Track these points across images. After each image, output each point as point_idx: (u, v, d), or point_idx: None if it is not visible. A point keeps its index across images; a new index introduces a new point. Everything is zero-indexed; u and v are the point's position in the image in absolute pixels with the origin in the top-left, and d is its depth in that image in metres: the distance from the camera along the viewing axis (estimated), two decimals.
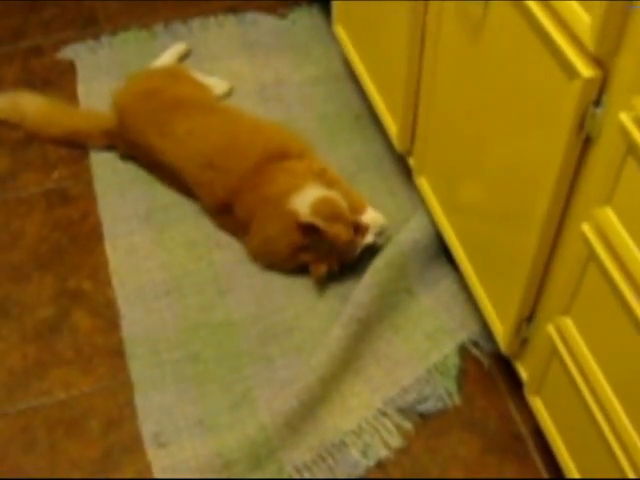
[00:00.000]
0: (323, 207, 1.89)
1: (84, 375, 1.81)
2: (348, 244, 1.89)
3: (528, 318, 1.56)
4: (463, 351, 1.85)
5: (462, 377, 1.82)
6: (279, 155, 2.01)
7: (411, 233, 1.94)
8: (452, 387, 1.80)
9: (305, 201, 1.90)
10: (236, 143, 2.02)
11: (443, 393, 1.79)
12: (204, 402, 1.76)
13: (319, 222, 1.84)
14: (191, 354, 1.83)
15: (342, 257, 1.91)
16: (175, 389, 1.78)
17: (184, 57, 2.44)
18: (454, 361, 1.83)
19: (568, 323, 1.38)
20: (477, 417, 1.76)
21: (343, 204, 1.92)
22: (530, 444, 1.72)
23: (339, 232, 1.86)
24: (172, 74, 2.30)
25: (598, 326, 1.30)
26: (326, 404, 1.76)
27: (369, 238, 1.92)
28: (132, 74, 2.29)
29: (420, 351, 1.84)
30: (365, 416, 1.75)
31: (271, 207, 1.94)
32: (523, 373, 1.66)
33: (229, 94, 2.34)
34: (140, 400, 1.77)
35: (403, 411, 1.76)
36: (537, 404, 1.60)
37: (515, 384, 1.76)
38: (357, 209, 1.96)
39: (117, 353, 1.84)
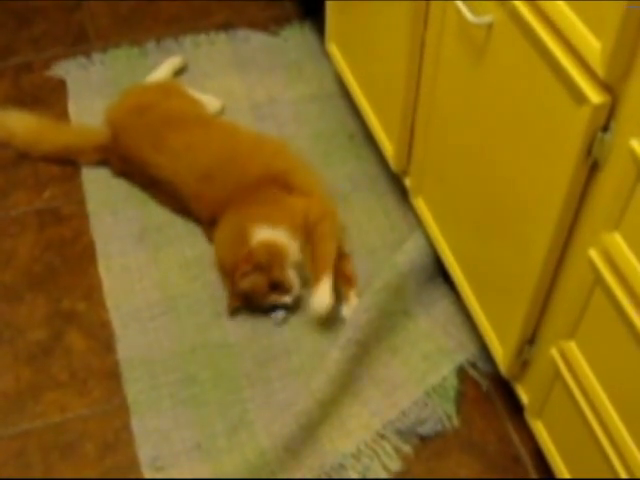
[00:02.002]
0: (264, 250, 1.87)
1: (79, 398, 1.79)
2: (259, 297, 1.87)
3: (529, 341, 1.56)
4: (461, 373, 1.84)
5: (460, 399, 1.81)
6: (282, 182, 1.99)
7: (408, 254, 1.93)
8: (451, 409, 1.79)
9: (259, 234, 1.89)
10: (236, 157, 2.01)
11: (442, 415, 1.78)
12: (201, 425, 1.75)
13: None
14: (188, 376, 1.82)
15: (251, 303, 1.90)
16: (172, 412, 1.77)
17: (179, 71, 2.43)
18: (452, 383, 1.82)
19: (572, 347, 1.38)
20: (476, 439, 1.76)
21: (285, 257, 1.87)
22: (530, 466, 1.72)
23: (253, 284, 1.85)
24: (165, 89, 2.29)
25: (603, 350, 1.30)
26: (325, 427, 1.75)
27: (287, 299, 1.88)
28: (125, 89, 2.28)
29: (418, 373, 1.83)
30: (364, 439, 1.74)
31: (240, 217, 1.93)
32: (523, 396, 1.65)
33: (222, 112, 2.32)
34: (137, 423, 1.75)
35: (402, 434, 1.75)
36: (538, 427, 1.59)
37: (513, 405, 1.76)
38: (317, 276, 1.87)
39: (112, 375, 1.82)
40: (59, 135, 2.24)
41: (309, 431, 1.72)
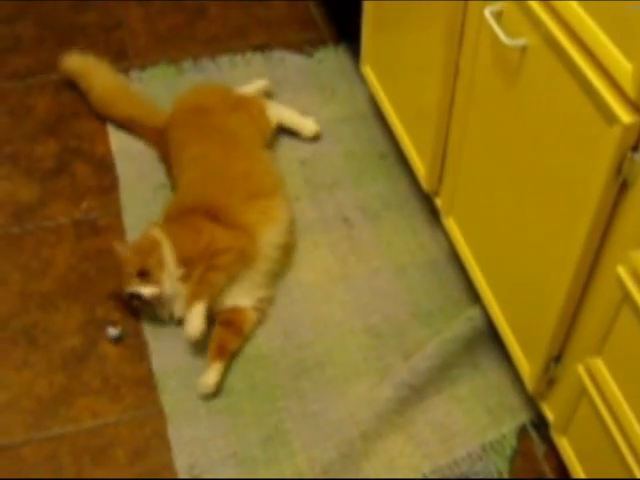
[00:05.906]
0: (145, 237, 1.95)
1: (111, 404, 1.82)
2: (125, 273, 1.90)
3: (556, 358, 1.57)
4: (522, 433, 1.80)
5: (515, 458, 1.77)
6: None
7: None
8: (504, 468, 1.75)
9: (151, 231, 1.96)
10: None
11: (494, 472, 1.73)
12: (237, 434, 1.77)
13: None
14: (223, 387, 1.84)
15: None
16: (208, 421, 1.79)
17: (266, 94, 2.45)
18: (511, 442, 1.78)
19: (599, 364, 1.39)
20: None
21: (161, 255, 1.90)
22: None
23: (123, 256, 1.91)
24: (233, 100, 2.31)
25: (630, 367, 1.31)
26: (371, 459, 1.74)
27: (145, 291, 1.88)
28: (200, 83, 2.43)
29: (478, 426, 1.81)
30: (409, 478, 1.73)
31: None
32: (549, 413, 1.67)
33: (317, 137, 2.36)
34: (173, 432, 1.77)
35: None
36: (563, 443, 1.60)
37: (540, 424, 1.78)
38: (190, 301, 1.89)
39: (144, 383, 1.85)
40: (129, 104, 2.35)
41: (351, 460, 1.72)
